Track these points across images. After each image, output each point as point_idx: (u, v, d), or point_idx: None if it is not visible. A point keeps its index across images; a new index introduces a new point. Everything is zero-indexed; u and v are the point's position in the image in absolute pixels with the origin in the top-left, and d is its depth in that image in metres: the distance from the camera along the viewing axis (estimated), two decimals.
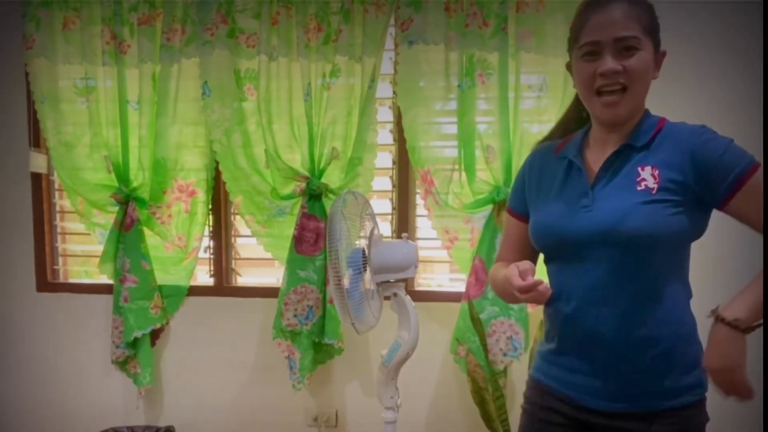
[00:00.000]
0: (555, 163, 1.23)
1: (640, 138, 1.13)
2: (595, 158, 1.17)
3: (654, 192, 1.07)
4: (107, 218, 2.38)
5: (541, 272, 1.24)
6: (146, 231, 2.36)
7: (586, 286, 1.12)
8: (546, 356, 1.25)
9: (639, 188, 1.09)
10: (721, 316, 1.03)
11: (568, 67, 1.20)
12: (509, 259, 1.32)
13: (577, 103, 1.25)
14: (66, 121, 2.35)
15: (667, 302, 1.11)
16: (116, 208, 2.34)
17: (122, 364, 2.41)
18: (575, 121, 1.27)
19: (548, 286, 1.09)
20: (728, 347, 1.02)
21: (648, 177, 1.09)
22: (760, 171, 1.05)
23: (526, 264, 1.12)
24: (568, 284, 1.16)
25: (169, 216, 2.36)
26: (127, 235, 2.32)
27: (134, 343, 2.37)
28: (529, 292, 1.08)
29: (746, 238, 1.12)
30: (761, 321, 1.06)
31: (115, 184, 2.32)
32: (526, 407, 1.29)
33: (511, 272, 1.11)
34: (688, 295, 1.17)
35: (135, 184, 2.33)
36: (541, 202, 1.22)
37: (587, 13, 1.11)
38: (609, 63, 1.07)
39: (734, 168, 1.05)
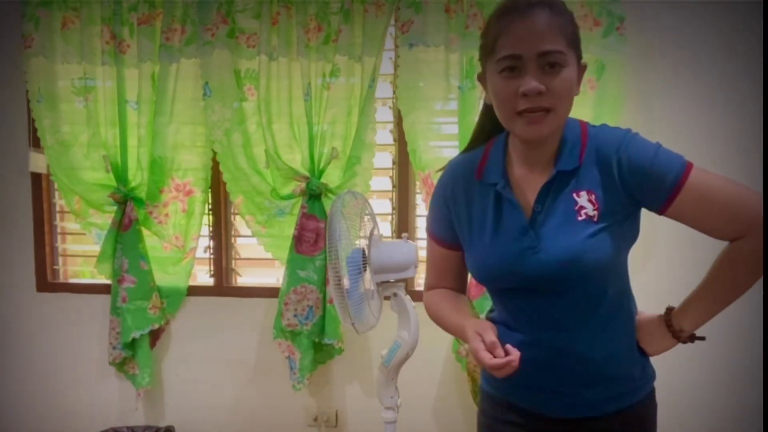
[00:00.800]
0: (480, 190, 1.12)
1: (569, 161, 1.05)
2: (526, 182, 1.09)
3: (596, 220, 1.03)
4: (104, 218, 2.38)
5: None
6: (144, 231, 2.35)
7: (540, 316, 1.08)
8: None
9: (580, 218, 1.03)
10: (670, 322, 1.09)
11: (480, 78, 1.09)
12: (442, 286, 1.27)
13: (489, 113, 1.12)
14: (64, 120, 2.34)
15: (616, 312, 1.11)
16: (114, 208, 2.33)
17: (120, 366, 2.40)
18: (491, 132, 1.16)
19: (519, 355, 0.98)
20: (660, 344, 1.12)
21: (586, 204, 1.04)
22: (695, 171, 1.00)
23: (491, 334, 1.02)
24: (519, 314, 1.10)
25: (166, 215, 2.36)
26: (125, 235, 2.32)
27: (132, 344, 2.36)
28: (501, 369, 0.98)
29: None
30: (702, 336, 1.10)
31: (113, 183, 2.32)
32: (483, 420, 1.24)
33: (476, 345, 1.01)
34: (630, 294, 1.16)
35: (133, 183, 2.32)
36: (476, 241, 1.12)
37: (506, 22, 0.99)
38: (532, 82, 0.96)
39: (667, 175, 1.00)
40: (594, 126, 1.09)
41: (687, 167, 1.00)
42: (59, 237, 2.58)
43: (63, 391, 2.56)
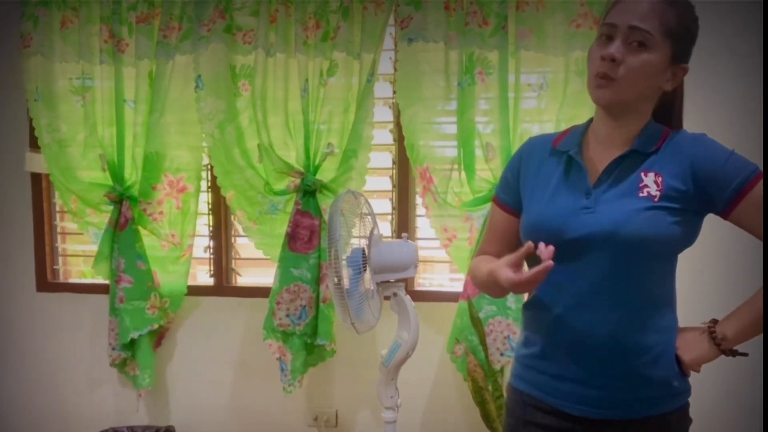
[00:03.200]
0: (553, 155, 1.19)
1: (647, 144, 1.11)
2: (598, 157, 1.14)
3: (656, 200, 1.06)
4: (101, 217, 2.36)
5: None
6: (142, 230, 2.32)
7: (578, 288, 1.10)
8: (527, 361, 1.20)
9: (641, 194, 1.07)
10: (712, 329, 1.10)
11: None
12: (492, 252, 1.29)
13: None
14: (61, 119, 2.33)
15: (657, 309, 1.11)
16: (110, 208, 2.32)
17: (121, 366, 2.38)
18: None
19: (550, 264, 0.99)
20: (702, 354, 1.12)
21: (651, 183, 1.08)
22: (764, 181, 1.04)
23: (518, 251, 1.04)
24: (558, 286, 1.12)
25: (161, 213, 2.33)
26: (121, 234, 2.29)
27: (131, 345, 2.34)
28: (528, 284, 1.02)
29: (747, 243, 1.11)
30: (745, 352, 1.10)
31: (110, 182, 2.30)
32: (510, 421, 1.25)
33: (501, 272, 1.05)
34: (675, 302, 1.17)
35: (129, 182, 2.30)
36: (537, 197, 1.17)
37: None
38: (612, 47, 1.05)
39: (736, 177, 1.04)
40: (674, 131, 1.15)
41: (757, 174, 1.04)
42: (59, 237, 2.58)
43: (63, 391, 2.56)
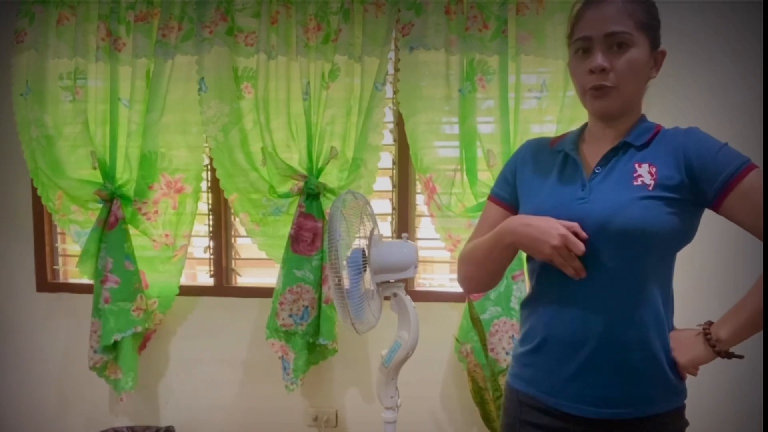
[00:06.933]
0: (550, 154, 1.22)
1: (639, 137, 1.13)
2: (592, 153, 1.17)
3: (650, 188, 1.07)
4: (87, 215, 2.32)
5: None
6: (131, 230, 2.29)
7: (574, 282, 1.10)
8: (524, 359, 1.20)
9: (636, 183, 1.08)
10: (707, 331, 1.09)
11: (569, 65, 1.20)
12: None
13: None
14: (50, 115, 2.29)
15: (654, 306, 1.10)
16: (99, 206, 2.28)
17: (101, 370, 2.31)
18: None
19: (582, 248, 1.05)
20: (697, 356, 1.11)
21: (645, 174, 1.09)
22: (756, 173, 1.03)
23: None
24: (554, 280, 1.12)
25: (155, 212, 2.31)
26: (110, 233, 2.25)
27: (114, 347, 2.28)
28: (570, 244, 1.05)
29: (746, 243, 1.11)
30: (741, 355, 1.09)
31: (100, 180, 2.27)
32: (506, 421, 1.25)
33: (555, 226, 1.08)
34: (672, 302, 1.16)
35: (121, 181, 2.28)
36: (534, 192, 1.20)
37: (582, 10, 1.12)
38: (597, 59, 1.07)
39: (726, 168, 1.04)
40: (666, 128, 1.17)
41: (747, 166, 1.05)
42: (59, 237, 2.57)
43: (63, 391, 2.56)
